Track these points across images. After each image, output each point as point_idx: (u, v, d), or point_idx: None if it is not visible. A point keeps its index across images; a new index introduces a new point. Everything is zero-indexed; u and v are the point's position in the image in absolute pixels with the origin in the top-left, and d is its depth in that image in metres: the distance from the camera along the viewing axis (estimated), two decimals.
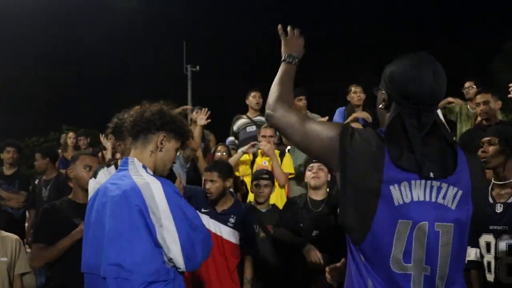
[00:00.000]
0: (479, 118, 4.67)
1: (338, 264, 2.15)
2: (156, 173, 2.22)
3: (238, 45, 35.03)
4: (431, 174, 1.50)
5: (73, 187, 3.28)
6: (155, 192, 2.02)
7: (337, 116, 5.87)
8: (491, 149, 2.83)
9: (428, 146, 1.53)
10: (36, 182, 5.87)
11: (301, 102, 5.73)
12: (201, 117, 5.35)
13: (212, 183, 3.58)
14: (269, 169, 4.81)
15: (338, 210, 3.74)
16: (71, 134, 7.51)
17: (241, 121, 5.82)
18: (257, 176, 4.06)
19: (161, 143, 2.22)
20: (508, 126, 3.18)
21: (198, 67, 23.78)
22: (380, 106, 1.68)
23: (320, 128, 1.65)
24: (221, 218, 3.58)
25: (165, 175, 2.29)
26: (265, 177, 4.04)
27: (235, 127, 5.87)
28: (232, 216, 3.61)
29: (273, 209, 4.07)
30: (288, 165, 4.95)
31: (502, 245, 2.72)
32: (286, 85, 1.87)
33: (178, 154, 4.63)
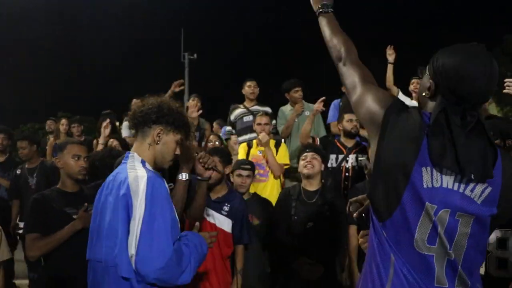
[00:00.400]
0: None
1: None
2: (157, 166, 2.29)
3: (235, 34, 34.87)
4: (472, 176, 1.50)
5: (61, 176, 3.22)
6: (140, 185, 2.03)
7: (333, 109, 5.86)
8: None
9: (470, 147, 1.51)
10: (18, 171, 5.57)
11: (297, 93, 5.76)
12: (192, 110, 5.32)
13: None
14: (264, 159, 4.82)
15: (332, 203, 3.75)
16: (63, 121, 7.43)
17: (238, 110, 5.82)
18: (238, 166, 4.01)
19: (158, 136, 2.25)
20: (498, 120, 3.16)
21: (195, 55, 23.69)
22: (424, 94, 1.65)
23: (372, 96, 1.65)
24: (215, 205, 3.56)
25: (166, 167, 2.35)
26: (247, 167, 3.99)
27: (232, 117, 5.87)
28: (226, 204, 3.59)
29: (254, 198, 4.05)
30: (283, 156, 4.94)
31: (492, 239, 2.72)
32: (340, 32, 1.85)
33: None
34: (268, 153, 4.78)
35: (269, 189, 4.73)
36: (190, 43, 24.34)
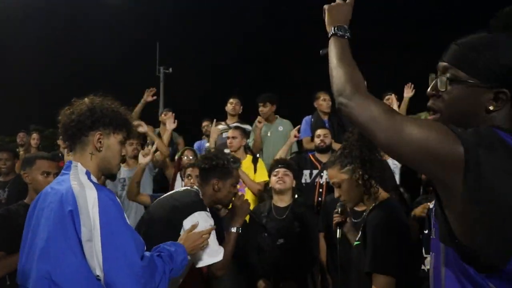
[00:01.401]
0: None
1: None
2: (104, 173, 2.09)
3: (211, 48, 34.96)
4: None
5: (29, 191, 3.11)
6: (89, 201, 1.83)
7: (304, 126, 5.93)
8: None
9: None
10: None
11: (259, 109, 5.84)
12: (169, 122, 5.34)
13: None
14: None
15: (302, 218, 3.75)
16: (34, 135, 7.34)
17: (219, 127, 5.86)
18: None
19: (99, 142, 2.02)
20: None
21: (170, 69, 23.64)
22: (491, 107, 1.27)
23: (421, 130, 1.22)
24: None
25: (116, 172, 2.14)
26: None
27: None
28: None
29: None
30: (262, 173, 4.90)
31: None
32: (351, 63, 1.46)
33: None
34: (242, 176, 4.76)
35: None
36: (165, 57, 24.25)
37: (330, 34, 1.58)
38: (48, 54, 30.45)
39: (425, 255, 3.04)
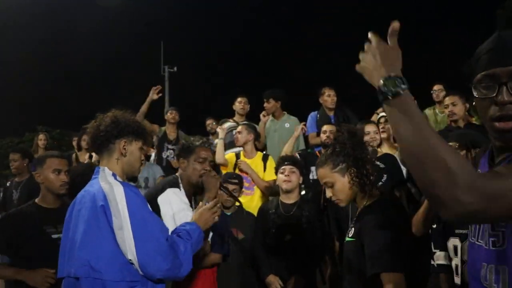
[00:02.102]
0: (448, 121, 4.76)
1: None
2: (128, 176, 2.39)
3: (216, 46, 34.96)
4: None
5: (41, 191, 3.13)
6: (117, 196, 2.12)
7: (310, 121, 5.92)
8: None
9: None
10: (8, 184, 5.64)
11: (265, 104, 5.85)
12: (153, 92, 5.45)
13: None
14: (249, 165, 4.82)
15: (309, 214, 3.76)
16: (41, 136, 7.37)
17: (228, 124, 5.91)
18: (226, 180, 3.97)
19: (124, 149, 2.34)
20: (471, 130, 3.22)
21: (175, 68, 23.64)
22: None
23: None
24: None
25: (137, 174, 2.47)
26: (234, 181, 3.99)
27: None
28: None
29: (238, 212, 4.04)
30: (270, 173, 4.83)
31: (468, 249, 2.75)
32: (433, 134, 1.06)
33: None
34: (252, 176, 4.78)
35: (255, 202, 4.70)
36: (170, 56, 24.26)
37: (381, 94, 1.12)
38: (53, 55, 30.55)
39: (433, 250, 3.01)
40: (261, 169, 4.90)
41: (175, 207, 2.90)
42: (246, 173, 4.80)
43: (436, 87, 5.97)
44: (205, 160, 3.03)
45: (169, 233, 2.26)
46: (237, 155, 5.04)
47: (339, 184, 2.21)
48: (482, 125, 5.00)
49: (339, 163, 2.19)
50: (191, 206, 2.99)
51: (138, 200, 2.17)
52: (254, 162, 4.95)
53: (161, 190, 2.95)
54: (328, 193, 2.28)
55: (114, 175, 2.27)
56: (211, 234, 3.58)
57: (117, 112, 2.42)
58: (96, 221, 2.10)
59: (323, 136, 4.92)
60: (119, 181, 2.23)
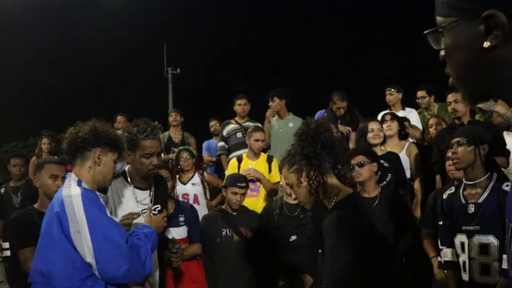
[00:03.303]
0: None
1: None
2: (99, 186, 2.43)
3: (219, 48, 34.97)
4: None
5: (39, 196, 3.17)
6: (74, 200, 2.17)
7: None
8: (460, 149, 2.84)
9: None
10: (1, 190, 5.54)
11: (269, 103, 5.84)
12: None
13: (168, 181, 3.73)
14: (258, 171, 4.81)
15: (313, 214, 3.74)
16: (45, 140, 7.37)
17: (231, 126, 5.89)
18: (234, 183, 3.93)
19: (99, 158, 2.38)
20: (477, 126, 3.20)
21: (178, 70, 23.65)
22: (486, 44, 0.86)
23: None
24: (172, 222, 3.60)
25: (108, 186, 2.54)
26: (243, 185, 3.94)
27: (224, 132, 5.92)
28: (180, 215, 3.75)
29: (244, 211, 4.03)
30: (276, 174, 4.85)
31: (475, 245, 2.75)
32: None
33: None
34: (263, 181, 4.77)
35: (260, 204, 4.68)
36: (173, 58, 24.25)
37: None
38: (55, 58, 30.66)
39: (440, 247, 2.99)
40: (266, 170, 4.89)
41: None
42: (257, 179, 4.79)
43: (419, 94, 5.95)
44: (151, 154, 2.83)
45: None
46: (239, 159, 5.02)
47: (298, 185, 2.04)
48: (485, 122, 4.97)
49: (293, 163, 2.04)
50: (151, 199, 2.92)
51: (96, 204, 2.22)
52: (259, 163, 4.94)
53: None
54: (293, 196, 2.13)
55: (79, 181, 2.31)
56: (187, 228, 3.75)
57: (96, 122, 2.46)
58: (50, 228, 2.17)
59: None
60: (80, 187, 2.27)
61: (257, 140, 4.94)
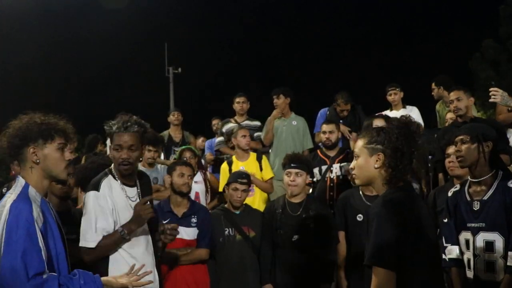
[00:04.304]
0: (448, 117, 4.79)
1: None
2: (53, 179, 2.24)
3: (220, 47, 34.99)
4: None
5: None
6: (5, 210, 2.00)
7: (320, 118, 5.91)
8: (464, 147, 2.83)
9: None
10: (4, 190, 5.62)
11: (274, 101, 5.83)
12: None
13: (190, 178, 3.76)
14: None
15: (316, 213, 3.74)
16: None
17: (230, 125, 5.91)
18: (235, 179, 3.93)
19: (34, 156, 2.14)
20: (480, 123, 3.19)
21: (179, 69, 23.65)
22: None
23: None
24: (183, 221, 3.62)
25: (63, 177, 2.25)
26: (244, 181, 3.93)
27: (224, 129, 5.95)
28: (193, 216, 3.71)
29: (247, 210, 4.01)
30: (268, 171, 4.97)
31: (479, 242, 2.73)
32: None
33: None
34: (255, 182, 4.77)
35: (257, 202, 4.71)
36: (174, 57, 24.25)
37: None
38: (56, 57, 30.67)
39: (445, 244, 2.98)
40: (257, 169, 4.91)
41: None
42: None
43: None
44: (121, 147, 2.72)
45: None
46: (229, 162, 5.01)
47: (362, 160, 2.15)
48: (488, 119, 4.97)
49: (374, 142, 2.12)
50: (138, 195, 2.87)
51: (21, 219, 1.97)
52: (249, 163, 4.94)
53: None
54: (351, 164, 2.23)
55: (26, 185, 2.12)
56: (197, 231, 3.68)
57: (21, 118, 2.21)
58: None
59: (322, 137, 4.87)
60: (20, 195, 2.07)
61: (244, 136, 4.99)
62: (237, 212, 3.91)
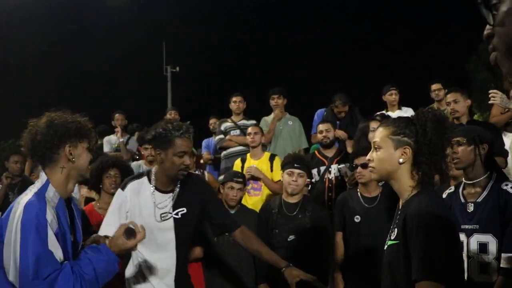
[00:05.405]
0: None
1: None
2: (78, 179, 2.25)
3: (218, 46, 34.94)
4: None
5: None
6: (18, 209, 1.98)
7: (317, 120, 5.93)
8: (460, 149, 2.84)
9: None
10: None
11: (274, 101, 5.88)
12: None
13: None
14: (259, 170, 4.83)
15: (312, 214, 3.73)
16: None
17: (226, 124, 5.93)
18: (231, 178, 3.97)
19: (71, 154, 2.13)
20: (476, 125, 3.22)
21: (177, 68, 23.62)
22: None
23: None
24: None
25: (88, 176, 2.31)
26: (239, 180, 3.96)
27: (222, 128, 5.97)
28: None
29: (242, 209, 4.03)
30: (279, 172, 4.88)
31: (473, 244, 2.75)
32: None
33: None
34: (264, 181, 4.79)
35: (261, 202, 4.69)
36: (172, 56, 24.21)
37: None
38: (54, 57, 30.59)
39: None
40: (268, 169, 4.91)
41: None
42: (258, 178, 4.80)
43: (434, 86, 5.96)
44: (185, 153, 2.69)
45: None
46: (243, 159, 5.04)
47: (385, 153, 1.91)
48: (484, 122, 4.99)
49: (402, 134, 1.88)
50: (173, 200, 2.82)
51: (34, 218, 1.94)
52: (261, 162, 4.96)
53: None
54: (368, 155, 1.98)
55: (46, 184, 2.08)
56: None
57: (52, 115, 2.18)
58: None
59: (319, 136, 4.91)
60: (37, 193, 2.04)
61: (249, 134, 5.04)
62: (233, 211, 3.90)
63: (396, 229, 1.88)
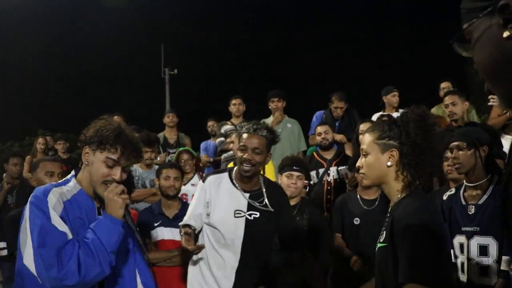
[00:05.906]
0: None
1: None
2: (91, 186, 2.12)
3: (216, 48, 34.97)
4: None
5: None
6: (31, 200, 1.98)
7: (316, 121, 5.92)
8: (460, 154, 2.83)
9: None
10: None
11: (274, 103, 5.87)
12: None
13: (176, 180, 3.80)
14: None
15: (310, 216, 3.73)
16: (40, 139, 7.33)
17: (226, 127, 5.91)
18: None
19: (85, 156, 2.11)
20: (474, 128, 3.21)
21: (176, 71, 23.61)
22: (505, 34, 0.97)
23: None
24: (175, 222, 3.57)
25: (99, 192, 2.07)
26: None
27: (222, 130, 5.94)
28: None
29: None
30: (270, 175, 4.88)
31: (473, 246, 2.74)
32: None
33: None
34: None
35: None
36: (170, 58, 24.22)
37: None
38: (53, 58, 30.58)
39: None
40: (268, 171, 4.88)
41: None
42: None
43: (443, 85, 5.94)
44: (246, 147, 2.81)
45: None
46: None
47: (373, 158, 1.89)
48: (481, 124, 4.98)
49: (387, 137, 1.86)
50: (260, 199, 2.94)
51: (34, 197, 1.98)
52: None
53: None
54: (358, 162, 1.97)
55: (71, 177, 2.13)
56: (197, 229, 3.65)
57: (103, 120, 2.16)
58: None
59: (318, 138, 4.89)
60: (59, 183, 2.11)
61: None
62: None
63: (384, 232, 1.86)
